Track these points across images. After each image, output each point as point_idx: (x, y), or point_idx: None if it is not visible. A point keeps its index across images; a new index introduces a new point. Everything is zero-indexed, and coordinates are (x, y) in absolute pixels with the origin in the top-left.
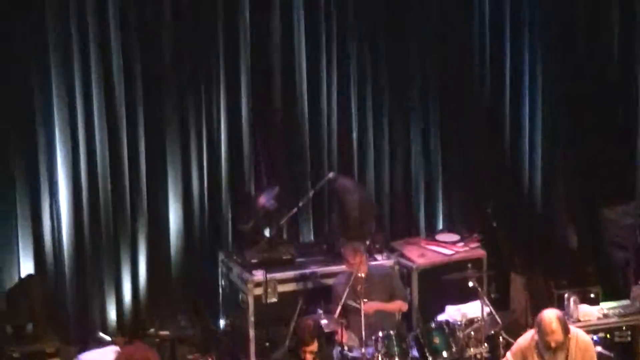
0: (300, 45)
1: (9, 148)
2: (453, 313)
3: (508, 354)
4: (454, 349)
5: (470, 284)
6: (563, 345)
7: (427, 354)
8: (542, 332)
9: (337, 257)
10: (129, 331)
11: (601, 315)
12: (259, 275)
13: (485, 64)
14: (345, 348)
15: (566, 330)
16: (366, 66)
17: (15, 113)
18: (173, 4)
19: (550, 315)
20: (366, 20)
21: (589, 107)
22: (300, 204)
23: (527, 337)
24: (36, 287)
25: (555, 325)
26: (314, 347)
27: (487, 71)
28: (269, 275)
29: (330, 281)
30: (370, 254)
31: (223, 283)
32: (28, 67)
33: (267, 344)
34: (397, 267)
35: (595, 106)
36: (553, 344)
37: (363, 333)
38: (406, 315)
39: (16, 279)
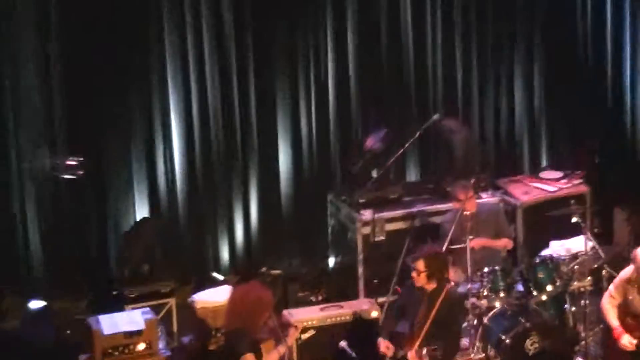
0: None
1: (124, 97)
2: (557, 248)
3: (611, 286)
4: (557, 283)
5: (574, 219)
6: None
7: (532, 288)
8: (638, 268)
9: (443, 196)
10: (241, 270)
11: None
12: (367, 214)
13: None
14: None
15: None
16: (470, 8)
17: (129, 61)
18: None
19: None
20: None
21: None
22: (407, 145)
23: (629, 270)
24: (151, 229)
25: None
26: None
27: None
28: (376, 215)
29: (437, 219)
30: (476, 192)
31: (332, 223)
32: (144, 16)
33: (376, 281)
34: (501, 205)
35: None
36: None
37: (469, 269)
38: (511, 251)
39: (132, 223)
